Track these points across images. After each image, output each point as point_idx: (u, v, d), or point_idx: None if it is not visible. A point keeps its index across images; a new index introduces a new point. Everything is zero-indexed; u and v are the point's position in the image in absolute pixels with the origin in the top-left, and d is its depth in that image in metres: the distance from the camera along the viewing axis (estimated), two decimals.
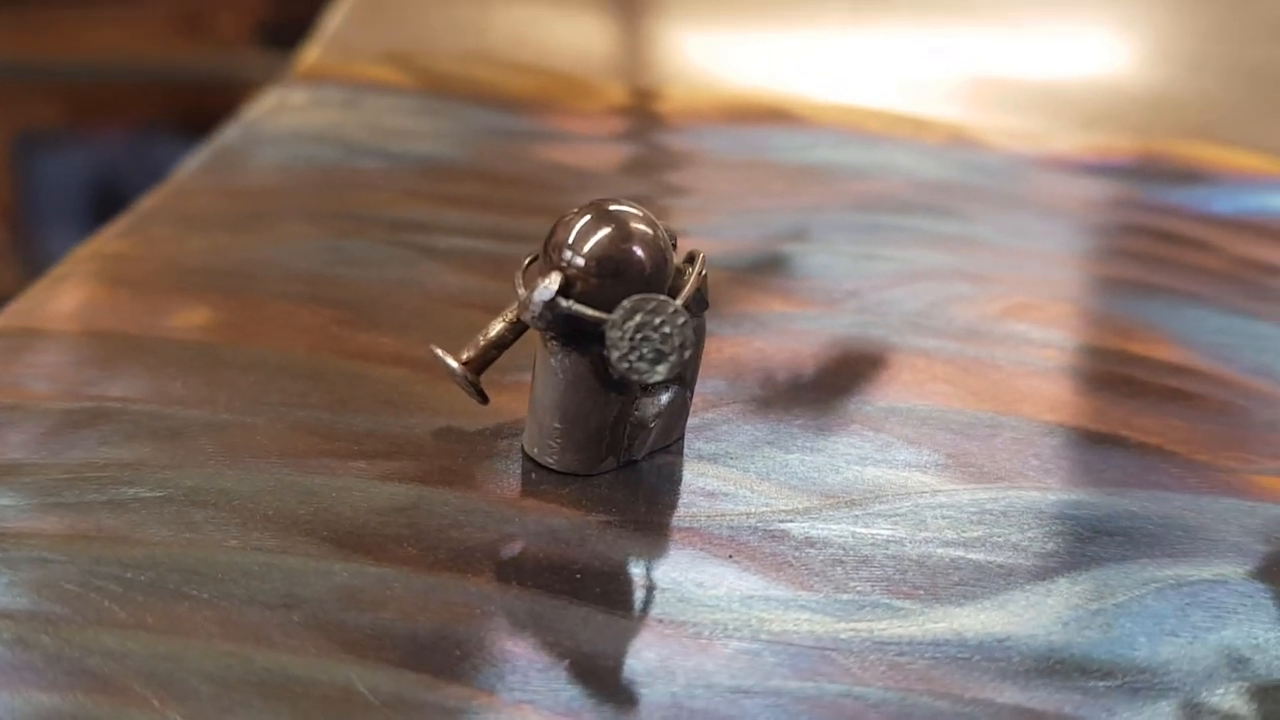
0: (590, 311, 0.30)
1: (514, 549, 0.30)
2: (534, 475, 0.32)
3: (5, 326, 0.39)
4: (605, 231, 0.30)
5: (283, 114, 0.56)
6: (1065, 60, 0.67)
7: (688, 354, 0.30)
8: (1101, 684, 0.27)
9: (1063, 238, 0.50)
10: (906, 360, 0.39)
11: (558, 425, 0.32)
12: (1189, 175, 0.58)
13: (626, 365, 0.29)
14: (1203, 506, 0.33)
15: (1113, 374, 0.40)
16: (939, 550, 0.31)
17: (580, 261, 0.30)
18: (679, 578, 0.29)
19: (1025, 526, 0.32)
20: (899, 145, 0.59)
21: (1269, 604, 0.30)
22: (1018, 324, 0.42)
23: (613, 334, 0.29)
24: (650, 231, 0.31)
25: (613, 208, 0.31)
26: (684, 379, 0.32)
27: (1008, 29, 0.69)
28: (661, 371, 0.29)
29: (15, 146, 1.42)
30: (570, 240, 0.30)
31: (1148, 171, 0.58)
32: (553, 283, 0.30)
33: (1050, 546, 0.31)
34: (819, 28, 0.68)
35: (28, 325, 0.38)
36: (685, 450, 0.34)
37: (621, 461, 0.33)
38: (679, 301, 0.30)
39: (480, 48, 0.64)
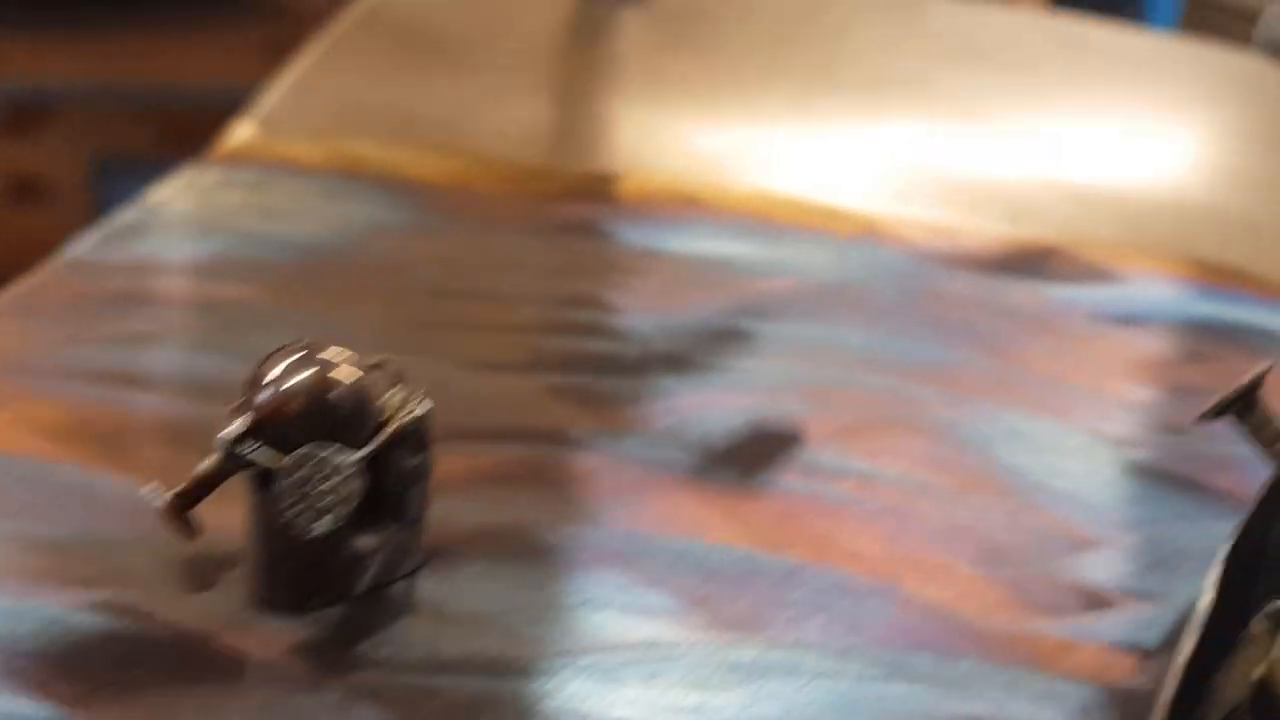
0: (262, 460, 0.30)
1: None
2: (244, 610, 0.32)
3: None
4: (302, 376, 0.30)
5: (186, 195, 0.57)
6: (1003, 144, 0.65)
7: (349, 509, 0.29)
8: None
9: (932, 349, 0.49)
10: (683, 489, 0.38)
11: (262, 561, 0.32)
12: (1098, 274, 0.56)
13: (288, 518, 0.29)
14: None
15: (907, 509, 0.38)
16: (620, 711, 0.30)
17: (271, 403, 0.30)
18: None
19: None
20: (805, 239, 0.58)
21: None
22: (833, 452, 0.41)
23: (280, 485, 0.29)
24: (348, 379, 0.31)
25: (318, 353, 0.31)
26: (404, 516, 0.32)
27: (953, 110, 0.68)
28: (322, 526, 0.29)
29: (100, 168, 1.47)
30: (265, 380, 0.30)
31: (1056, 269, 0.56)
32: (240, 425, 0.30)
33: None
34: (758, 109, 0.67)
35: None
36: (409, 588, 0.33)
37: (340, 597, 0.32)
38: (363, 452, 0.30)
39: (406, 129, 0.65)
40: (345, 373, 0.30)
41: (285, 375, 0.30)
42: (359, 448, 0.30)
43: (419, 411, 0.31)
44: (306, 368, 0.30)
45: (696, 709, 0.30)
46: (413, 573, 0.33)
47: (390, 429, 0.31)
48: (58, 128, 1.36)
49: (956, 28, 0.77)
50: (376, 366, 0.32)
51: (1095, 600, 0.35)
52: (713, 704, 0.30)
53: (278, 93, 0.68)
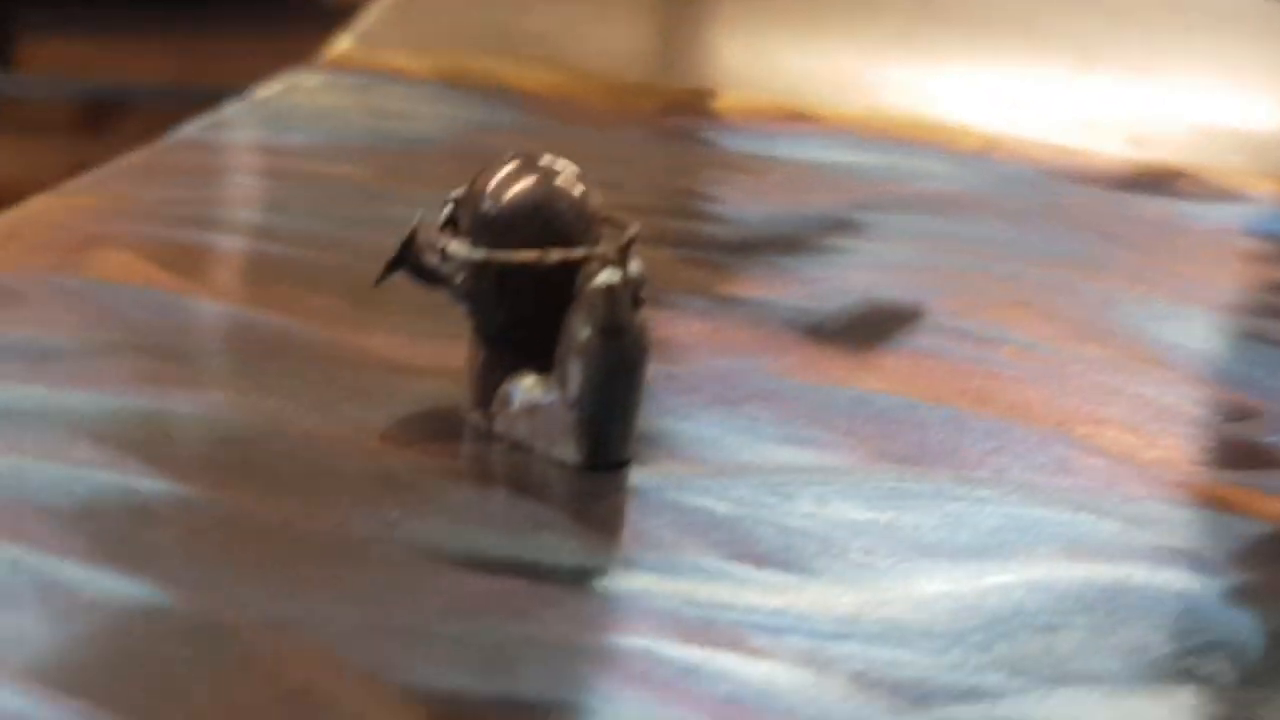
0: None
1: (337, 486, 0.28)
2: (397, 419, 0.31)
3: None
4: (526, 181, 0.29)
5: (290, 94, 0.56)
6: (1120, 81, 0.63)
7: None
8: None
9: (1067, 243, 0.47)
10: (833, 345, 0.37)
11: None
12: (1229, 194, 0.54)
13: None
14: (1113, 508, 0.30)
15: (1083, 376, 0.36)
16: (796, 522, 0.28)
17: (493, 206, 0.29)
18: (504, 526, 0.27)
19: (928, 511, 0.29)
20: (923, 152, 0.56)
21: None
22: (982, 322, 0.39)
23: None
24: (572, 192, 0.29)
25: (541, 164, 0.29)
26: (564, 388, 0.29)
27: (1067, 50, 0.66)
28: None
29: None
30: (486, 186, 0.29)
31: (1183, 189, 0.54)
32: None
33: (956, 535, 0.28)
34: (864, 38, 0.65)
35: None
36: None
37: (487, 424, 0.31)
38: (524, 255, 0.28)
39: (510, 45, 0.64)
40: (569, 183, 0.29)
41: (507, 181, 0.29)
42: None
43: (599, 277, 0.28)
44: (529, 174, 0.29)
45: (881, 526, 0.28)
46: (570, 465, 0.29)
47: (578, 253, 0.29)
48: (131, 125, 1.37)
49: None
50: (611, 221, 0.30)
51: (1261, 459, 0.33)
52: (896, 523, 0.28)
53: (377, 9, 0.67)
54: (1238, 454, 0.33)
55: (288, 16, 1.41)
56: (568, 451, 0.29)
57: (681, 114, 0.60)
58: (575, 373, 0.29)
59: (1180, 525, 0.29)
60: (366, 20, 0.66)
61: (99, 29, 1.35)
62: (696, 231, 0.46)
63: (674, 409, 0.32)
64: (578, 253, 0.29)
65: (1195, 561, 0.28)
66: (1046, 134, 0.60)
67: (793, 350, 0.36)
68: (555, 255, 0.29)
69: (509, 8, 0.67)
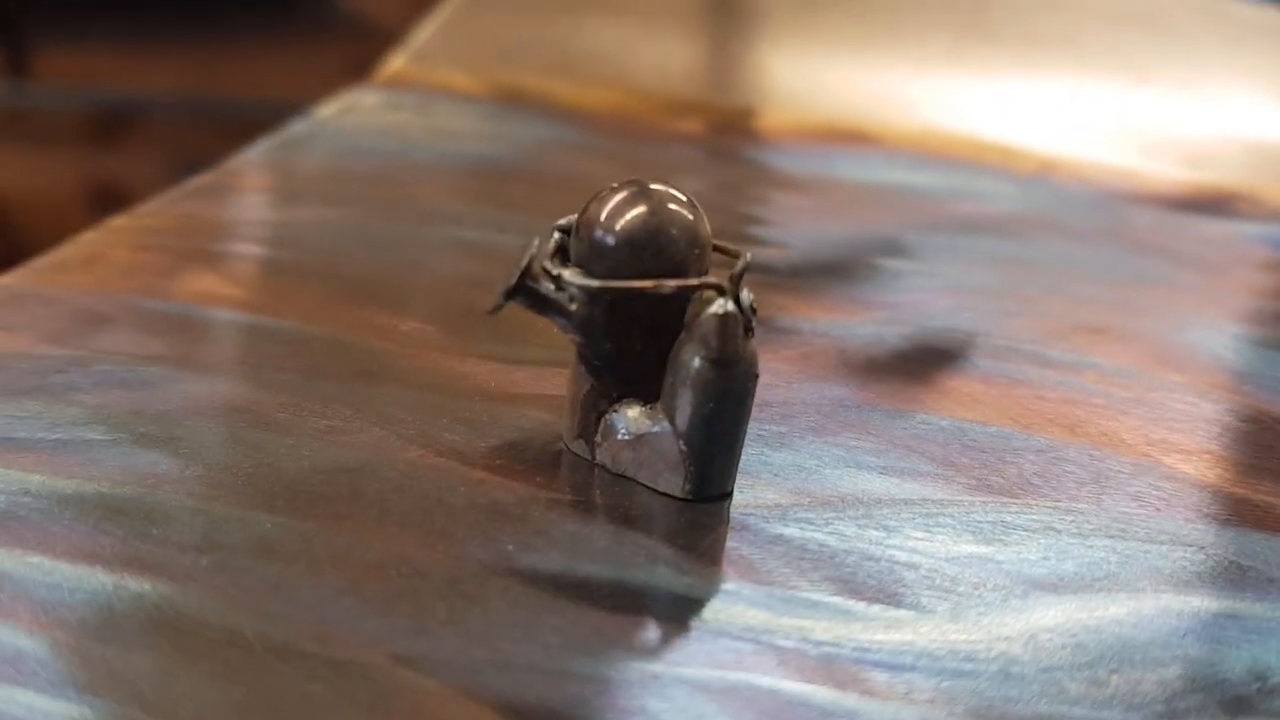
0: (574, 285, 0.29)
1: (447, 518, 0.28)
2: (499, 448, 0.31)
3: (11, 284, 0.39)
4: (637, 209, 0.29)
5: (352, 113, 0.57)
6: (1172, 100, 0.63)
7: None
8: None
9: (1136, 265, 0.47)
10: (910, 371, 0.37)
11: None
12: None
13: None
14: (1229, 538, 0.30)
15: (1160, 402, 0.37)
16: (903, 555, 0.28)
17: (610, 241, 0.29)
18: (614, 558, 0.27)
19: (1022, 543, 0.29)
20: (983, 173, 0.56)
21: None
22: (1063, 348, 0.39)
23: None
24: (682, 220, 0.29)
25: (655, 190, 0.29)
26: (671, 416, 0.29)
27: (1117, 67, 0.66)
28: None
29: (179, 177, 1.48)
30: (598, 213, 0.29)
31: (1241, 210, 0.54)
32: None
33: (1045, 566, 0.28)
34: (914, 56, 0.66)
35: (34, 288, 0.39)
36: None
37: (591, 455, 0.31)
38: (601, 283, 0.28)
39: (564, 64, 0.64)
40: (681, 210, 0.29)
41: (620, 209, 0.29)
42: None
43: (712, 306, 0.28)
44: (641, 202, 0.29)
45: (986, 559, 0.28)
46: (677, 496, 0.29)
47: (693, 281, 0.29)
48: (142, 137, 1.37)
49: None
50: (725, 250, 0.30)
51: None
52: (1000, 556, 0.28)
53: (430, 28, 0.67)
54: None
55: (301, 29, 1.42)
56: (674, 483, 0.29)
57: (735, 133, 0.60)
58: (685, 404, 0.29)
59: None
60: (420, 37, 0.66)
61: (112, 39, 1.36)
62: (759, 255, 0.46)
63: (770, 439, 0.32)
64: (693, 281, 0.29)
65: None
66: (1103, 154, 0.60)
67: (876, 378, 0.36)
68: (671, 284, 0.29)
69: (561, 26, 0.67)
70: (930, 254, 0.46)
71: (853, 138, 0.59)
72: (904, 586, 0.27)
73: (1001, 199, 0.53)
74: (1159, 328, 0.41)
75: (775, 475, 0.31)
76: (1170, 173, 0.58)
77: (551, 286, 0.29)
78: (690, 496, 0.29)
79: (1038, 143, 0.59)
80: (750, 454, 0.31)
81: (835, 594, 0.27)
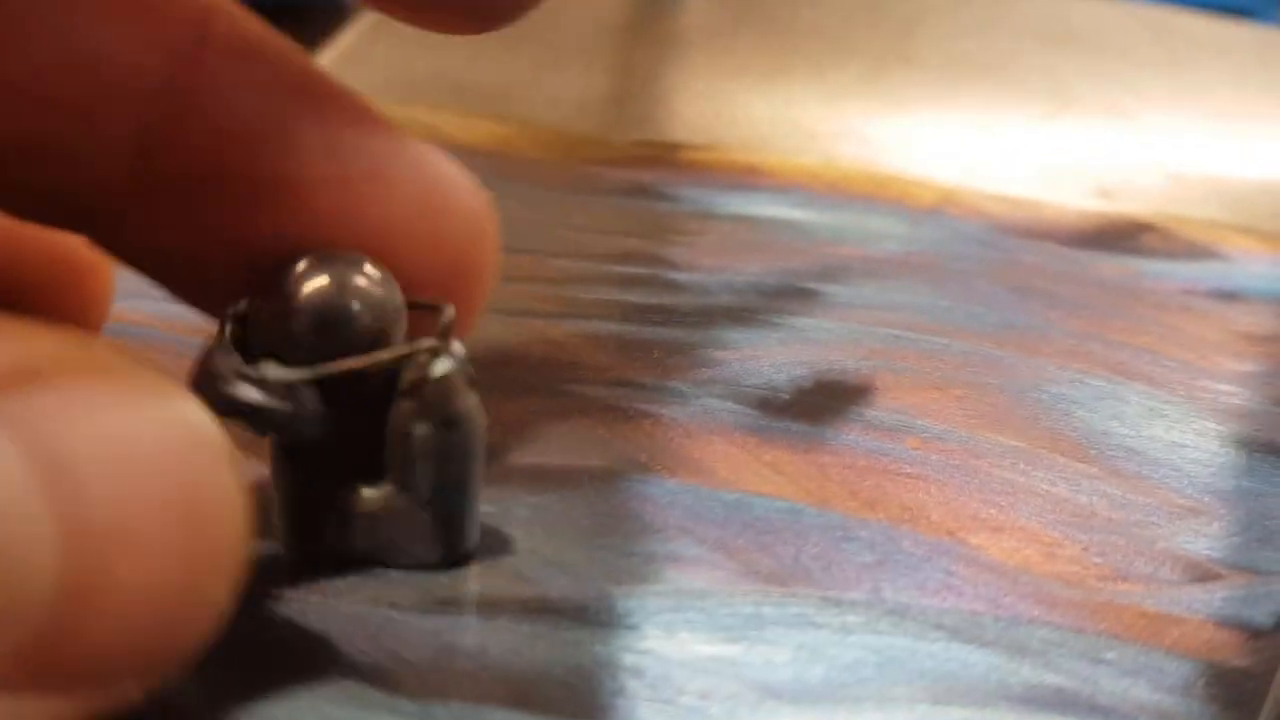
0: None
1: None
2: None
3: None
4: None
5: None
6: (1092, 125, 0.60)
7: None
8: None
9: (1008, 314, 0.44)
10: (728, 440, 0.34)
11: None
12: (1195, 250, 0.51)
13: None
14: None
15: (983, 471, 0.34)
16: (632, 659, 0.26)
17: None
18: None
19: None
20: (875, 208, 0.54)
21: None
22: (896, 409, 0.36)
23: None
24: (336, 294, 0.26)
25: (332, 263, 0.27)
26: (411, 489, 0.27)
27: (1037, 91, 0.63)
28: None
29: None
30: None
31: (1149, 245, 0.51)
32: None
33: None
34: (827, 85, 0.63)
35: None
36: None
37: (315, 548, 0.28)
38: (294, 373, 0.26)
39: (458, 98, 0.62)
40: (368, 277, 0.26)
41: (299, 287, 0.26)
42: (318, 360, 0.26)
43: (432, 369, 0.26)
44: (320, 276, 0.26)
45: (725, 663, 0.26)
46: (430, 565, 0.27)
47: (405, 348, 0.26)
48: None
49: (1042, 15, 0.72)
50: (421, 306, 0.27)
51: (1196, 571, 0.31)
52: (745, 658, 0.26)
53: (324, 60, 0.65)
54: (1160, 566, 0.31)
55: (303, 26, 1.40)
56: (427, 552, 0.27)
57: (630, 166, 0.58)
58: (424, 472, 0.27)
59: (1070, 658, 0.27)
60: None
61: None
62: (624, 300, 0.43)
63: (522, 512, 0.30)
64: (405, 349, 0.27)
65: (1084, 705, 0.26)
66: (1007, 185, 0.57)
67: (685, 445, 0.34)
68: (386, 356, 0.27)
69: (459, 58, 0.65)
70: (783, 303, 0.43)
71: (746, 172, 0.56)
72: (621, 698, 0.25)
73: (886, 239, 0.50)
74: (1009, 384, 0.39)
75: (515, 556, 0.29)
76: (1077, 203, 0.56)
77: (251, 390, 0.26)
78: (443, 562, 0.27)
79: (940, 174, 0.56)
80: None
81: (532, 711, 0.24)
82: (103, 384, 0.16)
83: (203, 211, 0.26)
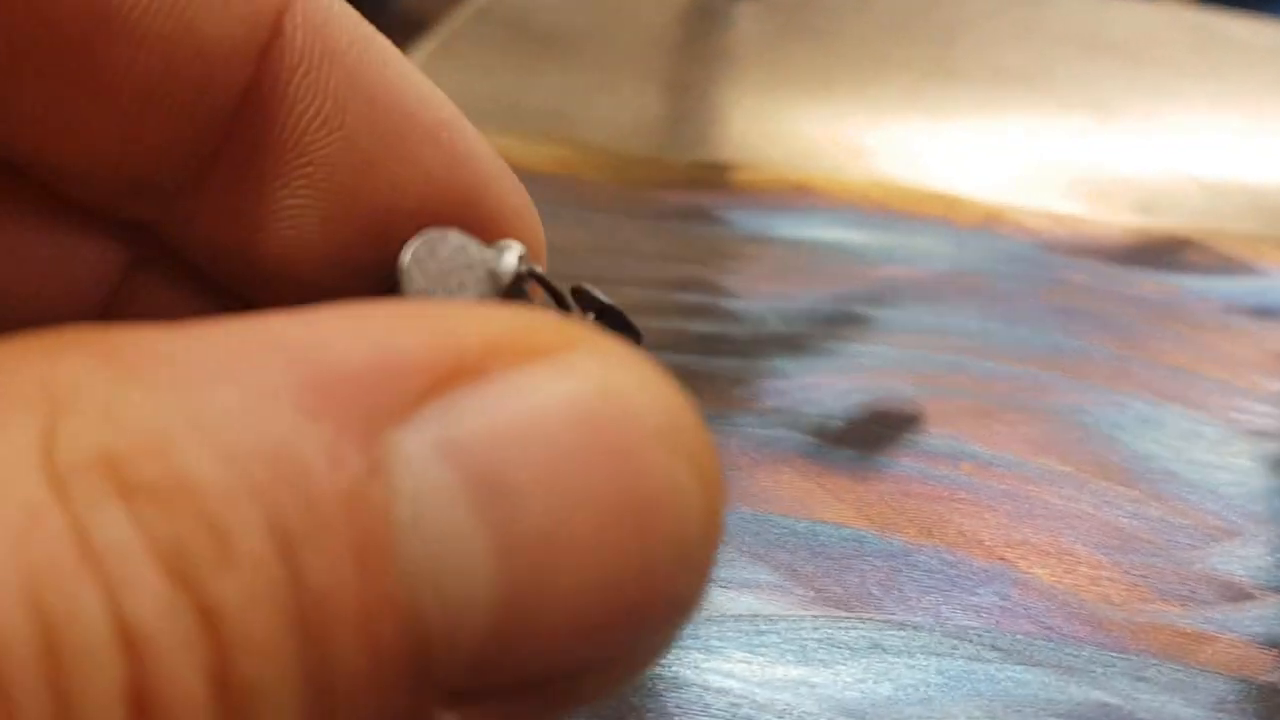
0: None
1: None
2: None
3: None
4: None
5: None
6: (1133, 137, 0.62)
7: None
8: None
9: (1052, 336, 0.46)
10: (790, 468, 0.37)
11: None
12: (1234, 266, 0.53)
13: None
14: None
15: (1039, 499, 0.36)
16: (717, 680, 0.28)
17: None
18: None
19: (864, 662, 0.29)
20: (922, 228, 0.56)
21: None
22: (948, 436, 0.39)
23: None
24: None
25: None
26: None
27: (1079, 103, 0.65)
28: None
29: None
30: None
31: (1188, 260, 0.53)
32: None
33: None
34: (871, 100, 0.65)
35: None
36: None
37: None
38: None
39: (517, 120, 0.65)
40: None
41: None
42: None
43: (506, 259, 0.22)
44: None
45: (800, 683, 0.28)
46: None
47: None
48: None
49: (1083, 21, 0.74)
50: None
51: (1232, 592, 0.33)
52: (816, 679, 0.29)
53: None
54: (1196, 587, 0.33)
55: None
56: None
57: (685, 188, 0.61)
58: None
59: (1114, 676, 0.29)
60: None
61: None
62: (684, 329, 0.46)
63: None
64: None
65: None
66: (1052, 201, 0.59)
67: (753, 474, 0.36)
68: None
69: (517, 80, 0.68)
70: (836, 329, 0.46)
71: (796, 191, 0.58)
72: (708, 717, 0.28)
73: (934, 258, 0.52)
74: (1056, 408, 0.41)
75: None
76: (1119, 219, 0.58)
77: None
78: None
79: (985, 191, 0.59)
80: None
81: None
82: (528, 369, 0.16)
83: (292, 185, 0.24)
